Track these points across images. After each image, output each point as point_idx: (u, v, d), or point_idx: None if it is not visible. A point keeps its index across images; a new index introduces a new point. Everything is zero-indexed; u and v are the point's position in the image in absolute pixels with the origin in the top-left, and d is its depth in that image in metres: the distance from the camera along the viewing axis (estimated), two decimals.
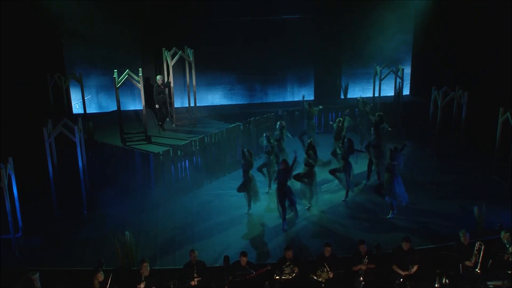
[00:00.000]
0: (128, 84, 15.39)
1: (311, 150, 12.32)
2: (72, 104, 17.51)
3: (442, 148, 15.42)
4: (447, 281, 9.62)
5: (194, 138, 14.34)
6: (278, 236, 11.62)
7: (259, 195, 12.62)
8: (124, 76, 14.08)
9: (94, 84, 18.04)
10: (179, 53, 15.11)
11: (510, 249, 9.81)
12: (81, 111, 17.22)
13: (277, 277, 9.75)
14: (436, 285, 9.66)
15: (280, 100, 19.13)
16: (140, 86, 14.12)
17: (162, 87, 15.16)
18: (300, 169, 12.51)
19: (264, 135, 13.42)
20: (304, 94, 16.82)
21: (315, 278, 9.81)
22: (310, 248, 11.01)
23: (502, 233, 10.01)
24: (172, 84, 15.23)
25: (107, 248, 10.78)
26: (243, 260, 9.71)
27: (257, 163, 13.33)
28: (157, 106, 15.13)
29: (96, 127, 14.96)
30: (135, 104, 18.08)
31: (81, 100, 16.97)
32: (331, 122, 15.78)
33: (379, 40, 18.35)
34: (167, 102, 15.54)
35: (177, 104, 17.09)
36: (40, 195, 12.99)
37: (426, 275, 9.90)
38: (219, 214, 12.61)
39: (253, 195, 12.44)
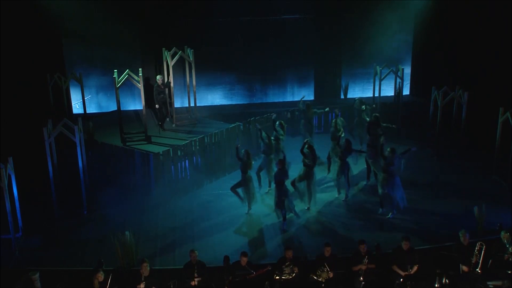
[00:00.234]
0: (128, 84, 15.39)
1: (308, 150, 12.29)
2: (72, 104, 17.51)
3: (442, 148, 15.42)
4: (447, 281, 9.62)
5: (194, 138, 14.34)
6: (278, 236, 11.63)
7: (255, 197, 12.63)
8: (124, 76, 14.08)
9: (94, 84, 18.04)
10: (179, 53, 15.10)
11: (510, 249, 9.81)
12: (81, 111, 17.22)
13: (277, 277, 9.75)
14: (436, 285, 9.66)
15: (280, 100, 19.14)
16: (140, 86, 14.11)
17: (162, 87, 15.15)
18: (296, 170, 12.52)
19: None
20: (305, 94, 16.81)
21: (315, 278, 9.81)
22: (310, 248, 11.01)
23: (502, 233, 10.02)
24: (172, 84, 15.22)
25: (107, 248, 10.77)
26: (243, 260, 9.71)
27: (256, 163, 13.34)
28: (157, 106, 15.13)
29: (96, 127, 14.95)
30: (135, 104, 18.08)
31: (81, 100, 16.98)
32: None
33: (379, 40, 18.35)
34: (167, 102, 15.54)
35: (177, 104, 17.09)
36: (40, 195, 12.99)
37: (426, 275, 9.90)
38: (219, 214, 12.61)
39: (251, 196, 12.45)
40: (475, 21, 16.18)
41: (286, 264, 9.82)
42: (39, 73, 15.78)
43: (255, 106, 18.49)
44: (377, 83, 17.43)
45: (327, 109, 15.40)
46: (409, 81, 19.37)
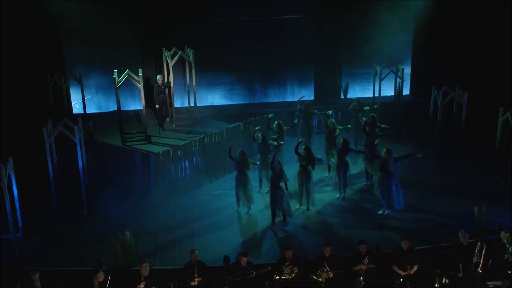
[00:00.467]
0: (128, 84, 15.39)
1: (305, 151, 12.26)
2: (72, 104, 17.51)
3: (442, 148, 15.41)
4: (447, 281, 9.62)
5: (194, 138, 14.35)
6: (278, 236, 11.63)
7: (253, 198, 12.61)
8: (124, 76, 14.08)
9: (94, 84, 18.04)
10: (179, 53, 15.11)
11: (510, 249, 9.81)
12: (81, 111, 17.22)
13: (277, 277, 9.75)
14: (436, 285, 9.66)
15: (280, 100, 19.14)
16: (140, 86, 14.12)
17: (162, 87, 15.16)
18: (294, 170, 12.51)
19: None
20: (304, 94, 16.78)
21: (315, 278, 9.81)
22: (310, 248, 11.01)
23: (502, 233, 10.02)
24: (172, 84, 15.23)
25: (107, 248, 10.76)
26: (244, 260, 9.71)
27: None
28: (157, 106, 15.13)
29: (96, 127, 14.97)
30: (135, 104, 18.09)
31: (81, 100, 16.98)
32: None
33: (379, 40, 18.34)
34: (167, 102, 15.54)
35: (177, 104, 17.10)
36: (40, 195, 12.98)
37: (426, 275, 9.90)
38: (219, 214, 12.60)
39: (249, 196, 12.44)
40: (475, 21, 16.18)
41: (286, 264, 9.82)
42: (39, 73, 15.79)
43: (255, 106, 18.49)
44: (377, 83, 17.42)
45: (329, 111, 15.23)
46: (409, 81, 19.36)
